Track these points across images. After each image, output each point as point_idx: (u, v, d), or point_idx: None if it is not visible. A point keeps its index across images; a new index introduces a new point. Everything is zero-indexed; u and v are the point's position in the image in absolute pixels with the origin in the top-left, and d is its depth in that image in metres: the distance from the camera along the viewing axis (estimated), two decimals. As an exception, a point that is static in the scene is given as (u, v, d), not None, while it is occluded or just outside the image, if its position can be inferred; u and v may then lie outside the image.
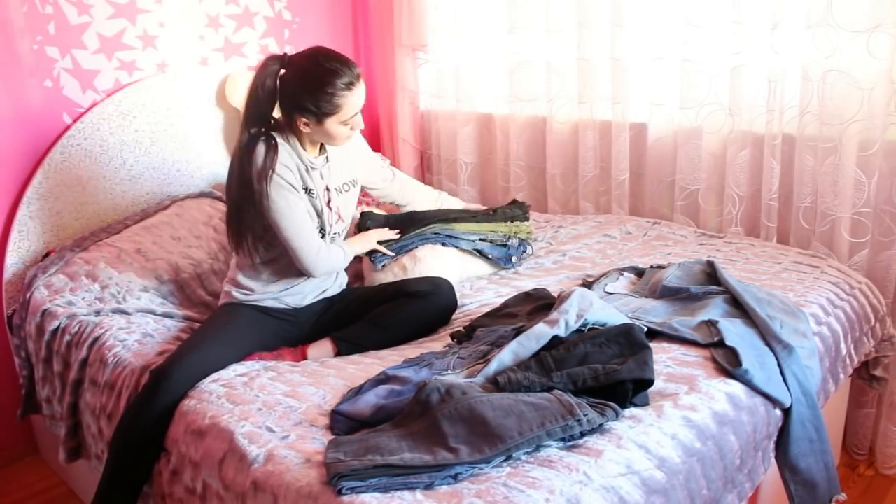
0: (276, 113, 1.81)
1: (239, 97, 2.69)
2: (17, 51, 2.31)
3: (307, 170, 1.81)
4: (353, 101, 1.72)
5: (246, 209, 1.74)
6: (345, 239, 2.01)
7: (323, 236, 1.86)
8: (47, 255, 2.35)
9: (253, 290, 1.86)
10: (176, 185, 2.67)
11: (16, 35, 2.30)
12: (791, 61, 2.11)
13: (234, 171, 1.75)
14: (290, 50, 3.00)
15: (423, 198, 2.38)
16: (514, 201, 2.47)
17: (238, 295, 1.85)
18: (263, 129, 1.76)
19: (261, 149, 1.71)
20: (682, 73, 2.34)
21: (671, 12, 2.33)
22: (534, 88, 2.75)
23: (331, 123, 1.73)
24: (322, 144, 1.86)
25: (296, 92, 1.71)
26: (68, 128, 2.42)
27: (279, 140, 1.75)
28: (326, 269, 1.85)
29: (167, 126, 2.62)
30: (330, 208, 1.87)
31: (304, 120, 1.73)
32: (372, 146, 3.36)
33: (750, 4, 2.14)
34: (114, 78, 2.53)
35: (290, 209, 1.75)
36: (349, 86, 1.70)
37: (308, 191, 1.81)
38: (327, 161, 1.88)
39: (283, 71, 1.73)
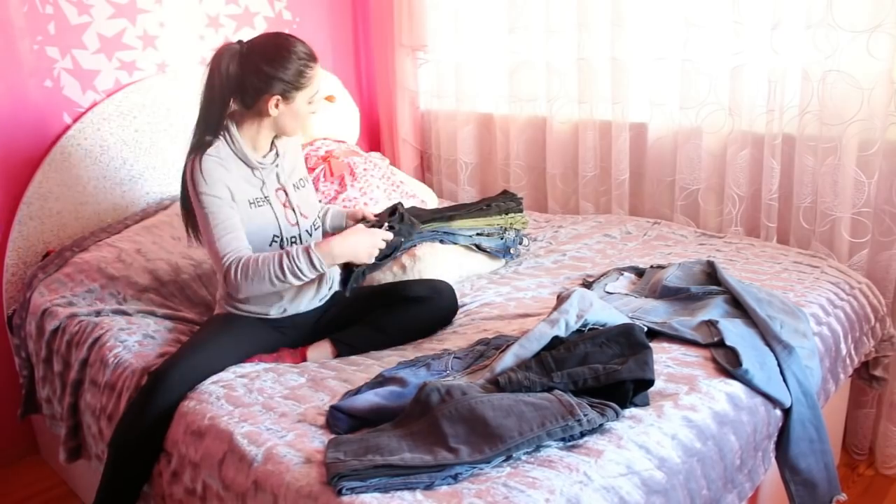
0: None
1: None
2: (17, 51, 2.31)
3: (253, 172, 1.74)
4: (317, 76, 1.70)
5: (191, 222, 1.77)
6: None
7: (281, 242, 1.76)
8: (47, 255, 2.35)
9: (236, 303, 1.80)
10: (176, 185, 2.66)
11: (16, 35, 2.30)
12: (791, 61, 2.11)
13: (184, 185, 1.73)
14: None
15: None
16: (505, 192, 2.45)
17: (230, 309, 1.83)
18: (208, 139, 1.70)
19: (198, 166, 1.66)
20: (682, 73, 2.34)
21: (671, 12, 2.33)
22: (534, 88, 2.76)
23: (301, 100, 1.69)
24: (272, 142, 1.78)
25: (262, 66, 1.64)
26: (68, 128, 2.42)
27: (220, 147, 1.70)
28: (250, 291, 1.65)
29: (167, 126, 2.62)
30: (292, 208, 1.79)
31: (276, 98, 1.66)
32: (372, 146, 3.37)
33: (750, 4, 2.14)
34: (114, 78, 2.53)
35: (214, 216, 1.66)
36: (312, 58, 1.69)
37: (258, 200, 1.74)
38: (277, 157, 1.79)
39: (242, 52, 1.68)
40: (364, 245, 1.70)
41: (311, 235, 1.84)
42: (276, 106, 1.68)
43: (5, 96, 2.30)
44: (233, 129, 1.71)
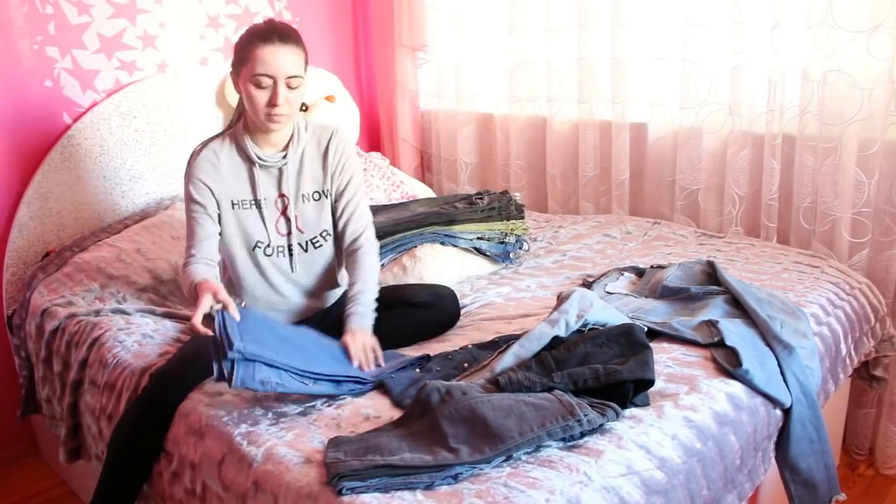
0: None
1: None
2: (17, 51, 2.31)
3: (251, 168, 1.73)
4: (263, 55, 1.61)
5: None
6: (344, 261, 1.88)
7: (265, 249, 1.76)
8: (47, 255, 2.35)
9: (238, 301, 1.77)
10: (176, 185, 2.66)
11: (16, 35, 2.30)
12: (791, 61, 2.11)
13: None
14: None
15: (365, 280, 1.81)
16: (505, 192, 2.47)
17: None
18: (220, 133, 1.76)
19: (191, 160, 1.73)
20: (682, 73, 2.34)
21: (671, 12, 2.33)
22: (534, 88, 2.76)
23: (245, 79, 1.64)
24: (288, 144, 1.76)
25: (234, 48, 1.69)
26: (68, 128, 2.42)
27: (224, 140, 1.74)
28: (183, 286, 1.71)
29: (167, 126, 2.62)
30: (286, 217, 1.77)
31: (234, 77, 1.69)
32: (372, 146, 3.36)
33: (750, 4, 2.14)
34: (114, 78, 2.53)
35: (191, 219, 1.72)
36: (263, 39, 1.62)
37: (244, 202, 1.74)
38: (285, 160, 1.74)
39: None
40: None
41: (305, 251, 1.81)
42: (236, 85, 1.69)
43: (5, 96, 2.30)
44: (241, 121, 1.75)
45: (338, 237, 1.86)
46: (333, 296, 1.93)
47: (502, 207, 2.34)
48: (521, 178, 2.91)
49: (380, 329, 1.81)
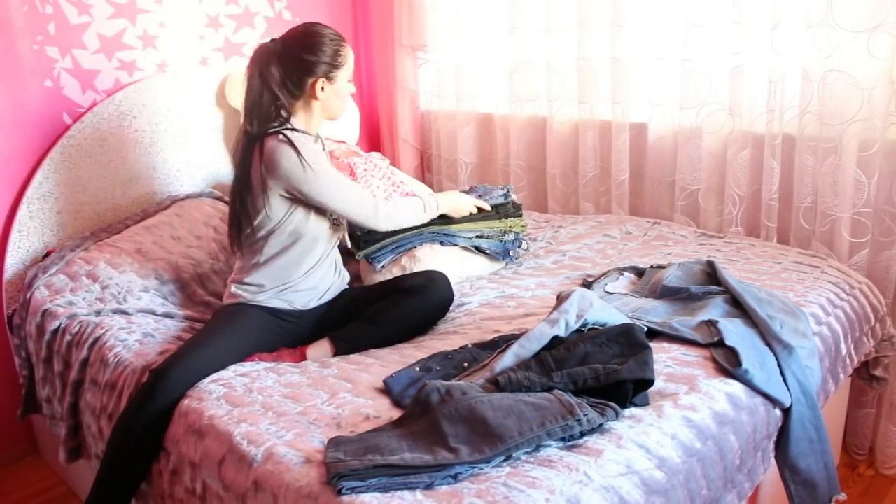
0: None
1: (239, 97, 2.69)
2: (17, 51, 2.31)
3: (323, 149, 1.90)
4: (350, 56, 1.83)
5: (247, 201, 1.77)
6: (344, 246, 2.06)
7: (337, 226, 1.92)
8: (47, 255, 2.35)
9: (261, 288, 1.84)
10: (176, 185, 2.67)
11: (16, 35, 2.30)
12: (791, 61, 2.11)
13: (247, 168, 1.76)
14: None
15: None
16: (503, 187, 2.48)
17: (244, 294, 1.84)
18: (275, 127, 1.78)
19: (288, 143, 1.74)
20: (682, 73, 2.34)
21: (671, 12, 2.33)
22: (534, 88, 2.76)
23: (342, 78, 1.82)
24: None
25: (302, 55, 1.77)
26: (68, 128, 2.42)
27: (294, 132, 1.78)
28: (397, 224, 1.96)
29: (167, 126, 2.62)
30: None
31: (321, 82, 1.79)
32: (372, 146, 3.37)
33: (750, 4, 2.14)
34: (114, 78, 2.53)
35: (334, 175, 1.81)
36: (343, 42, 1.82)
37: None
38: (324, 149, 1.94)
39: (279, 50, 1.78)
40: (465, 203, 2.16)
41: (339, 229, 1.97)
42: (322, 89, 1.80)
43: (5, 96, 2.30)
44: (291, 120, 1.81)
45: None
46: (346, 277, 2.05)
47: (500, 206, 2.34)
48: (521, 178, 2.91)
49: (376, 318, 1.84)
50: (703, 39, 2.28)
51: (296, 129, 1.79)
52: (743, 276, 1.95)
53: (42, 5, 2.33)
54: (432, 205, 2.03)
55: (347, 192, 1.83)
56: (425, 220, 2.03)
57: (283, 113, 1.80)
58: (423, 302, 1.89)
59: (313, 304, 1.90)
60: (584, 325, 1.57)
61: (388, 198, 2.07)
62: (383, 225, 1.91)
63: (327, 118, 1.88)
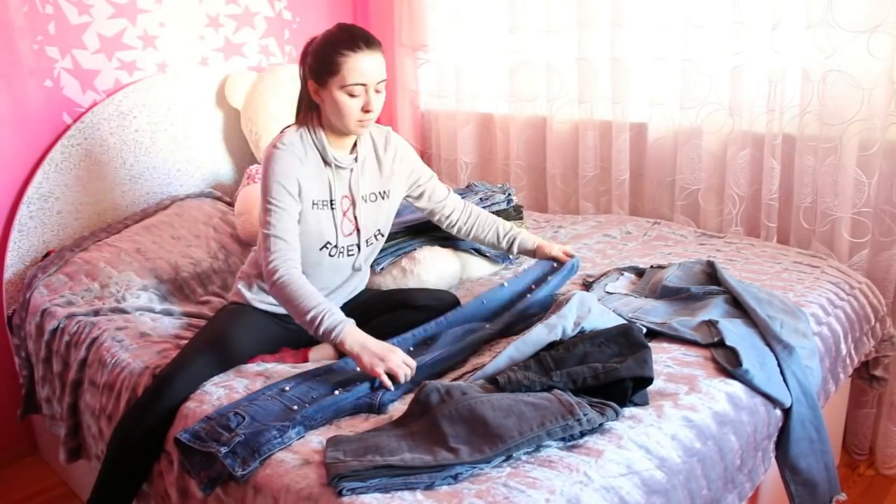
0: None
1: (239, 97, 2.69)
2: (17, 51, 2.31)
3: (327, 169, 1.72)
4: (354, 64, 1.60)
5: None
6: (377, 260, 1.98)
7: (331, 251, 1.76)
8: (47, 255, 2.35)
9: (263, 298, 1.80)
10: (176, 185, 2.67)
11: (16, 35, 2.30)
12: (791, 61, 2.11)
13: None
14: (290, 50, 3.01)
15: (487, 230, 2.00)
16: (503, 185, 2.47)
17: (249, 295, 1.82)
18: (293, 126, 1.74)
19: (273, 153, 1.67)
20: (682, 73, 2.34)
21: (671, 12, 2.33)
22: (534, 88, 2.76)
23: (333, 87, 1.62)
24: (355, 145, 1.78)
25: (306, 54, 1.70)
26: (68, 128, 2.42)
27: (302, 136, 1.71)
28: (276, 299, 1.63)
29: (167, 126, 2.62)
30: (351, 218, 1.77)
31: (315, 86, 1.66)
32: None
33: (750, 4, 2.14)
34: (114, 78, 2.53)
35: (275, 214, 1.64)
36: (352, 47, 1.61)
37: (322, 203, 1.73)
38: (356, 162, 1.76)
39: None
40: (379, 365, 1.48)
41: (359, 251, 1.81)
42: (317, 93, 1.68)
43: (5, 96, 2.30)
44: (315, 121, 1.73)
45: (438, 222, 2.00)
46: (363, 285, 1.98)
47: (501, 212, 2.34)
48: (521, 178, 2.91)
49: (380, 330, 1.81)
50: (703, 39, 2.28)
51: (313, 135, 1.71)
52: (743, 276, 1.95)
53: (42, 5, 2.33)
54: (331, 326, 1.53)
55: (268, 233, 1.63)
56: (309, 329, 1.56)
57: (314, 115, 1.73)
58: (429, 321, 1.80)
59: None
60: (581, 332, 1.57)
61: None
62: (267, 286, 1.67)
63: (332, 129, 1.72)
